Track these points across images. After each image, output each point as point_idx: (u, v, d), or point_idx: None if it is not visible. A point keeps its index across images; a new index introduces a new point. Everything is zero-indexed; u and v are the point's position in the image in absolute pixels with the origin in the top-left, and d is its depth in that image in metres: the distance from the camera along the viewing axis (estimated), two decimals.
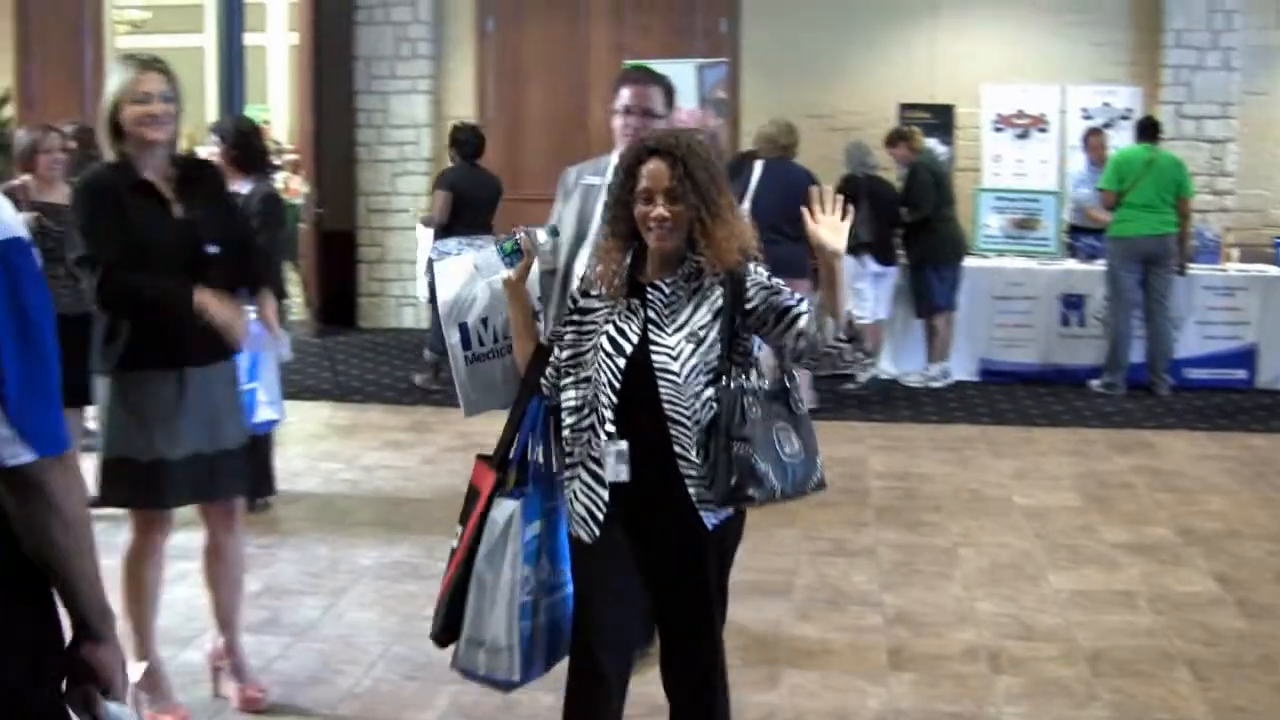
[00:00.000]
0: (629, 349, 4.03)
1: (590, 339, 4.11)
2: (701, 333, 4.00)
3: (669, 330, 4.02)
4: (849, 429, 10.61)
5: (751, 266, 4.09)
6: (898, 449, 10.00)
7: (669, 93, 5.48)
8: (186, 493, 5.15)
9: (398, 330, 14.90)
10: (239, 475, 5.29)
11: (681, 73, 13.05)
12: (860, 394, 11.85)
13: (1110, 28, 14.35)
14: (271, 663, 5.80)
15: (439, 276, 4.73)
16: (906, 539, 7.74)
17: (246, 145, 8.03)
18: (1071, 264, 12.81)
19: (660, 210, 4.00)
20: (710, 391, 3.98)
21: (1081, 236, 13.02)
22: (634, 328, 4.05)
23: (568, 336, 4.18)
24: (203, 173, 5.31)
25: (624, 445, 4.00)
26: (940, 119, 14.07)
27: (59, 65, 15.54)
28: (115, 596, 5.91)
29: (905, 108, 13.91)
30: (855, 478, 9.09)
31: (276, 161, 12.11)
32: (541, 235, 4.65)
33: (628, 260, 4.14)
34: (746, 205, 10.74)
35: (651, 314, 4.06)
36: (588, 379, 4.09)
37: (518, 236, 4.49)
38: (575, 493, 4.11)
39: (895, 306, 12.29)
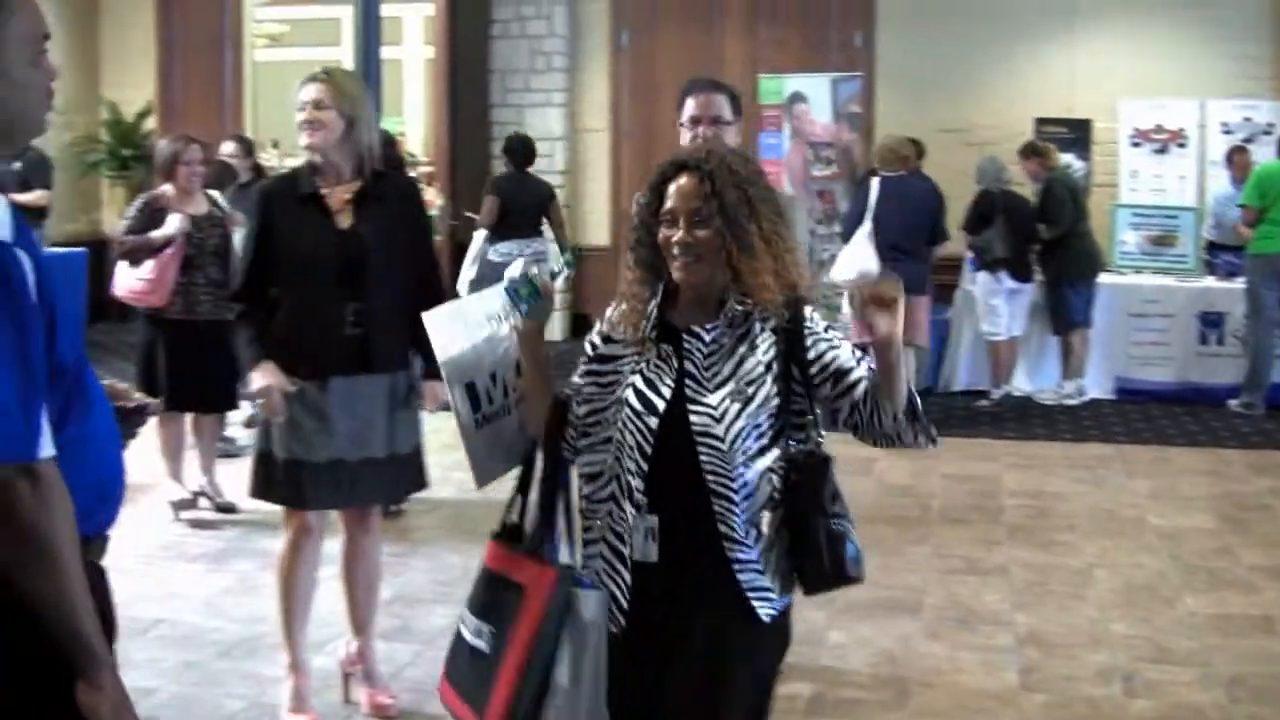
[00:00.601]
0: (661, 406, 3.41)
1: (612, 392, 3.51)
2: (750, 389, 3.39)
3: (710, 386, 3.40)
4: (982, 446, 10.51)
5: (807, 311, 3.49)
6: (1031, 467, 9.89)
7: (735, 100, 5.31)
8: (325, 497, 5.21)
9: None
10: (380, 483, 5.34)
11: (816, 86, 13.07)
12: (994, 411, 11.74)
13: (1251, 41, 14.09)
14: (402, 670, 5.85)
15: (432, 330, 3.88)
16: (1039, 558, 7.65)
17: (383, 157, 8.10)
18: (1210, 281, 12.57)
19: (681, 234, 3.40)
20: (765, 460, 3.38)
21: (1220, 253, 12.79)
22: (667, 381, 3.43)
23: (586, 389, 3.57)
24: (387, 185, 5.32)
25: (654, 521, 3.39)
26: (1077, 133, 13.89)
27: (199, 78, 15.83)
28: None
29: (1041, 122, 13.75)
30: (988, 495, 9.01)
31: (412, 174, 12.19)
32: (555, 265, 3.88)
33: (657, 298, 3.53)
34: (867, 223, 10.73)
35: (689, 366, 3.43)
36: (609, 440, 3.49)
37: (532, 273, 3.64)
38: (598, 575, 3.49)
39: (1030, 323, 12.15)
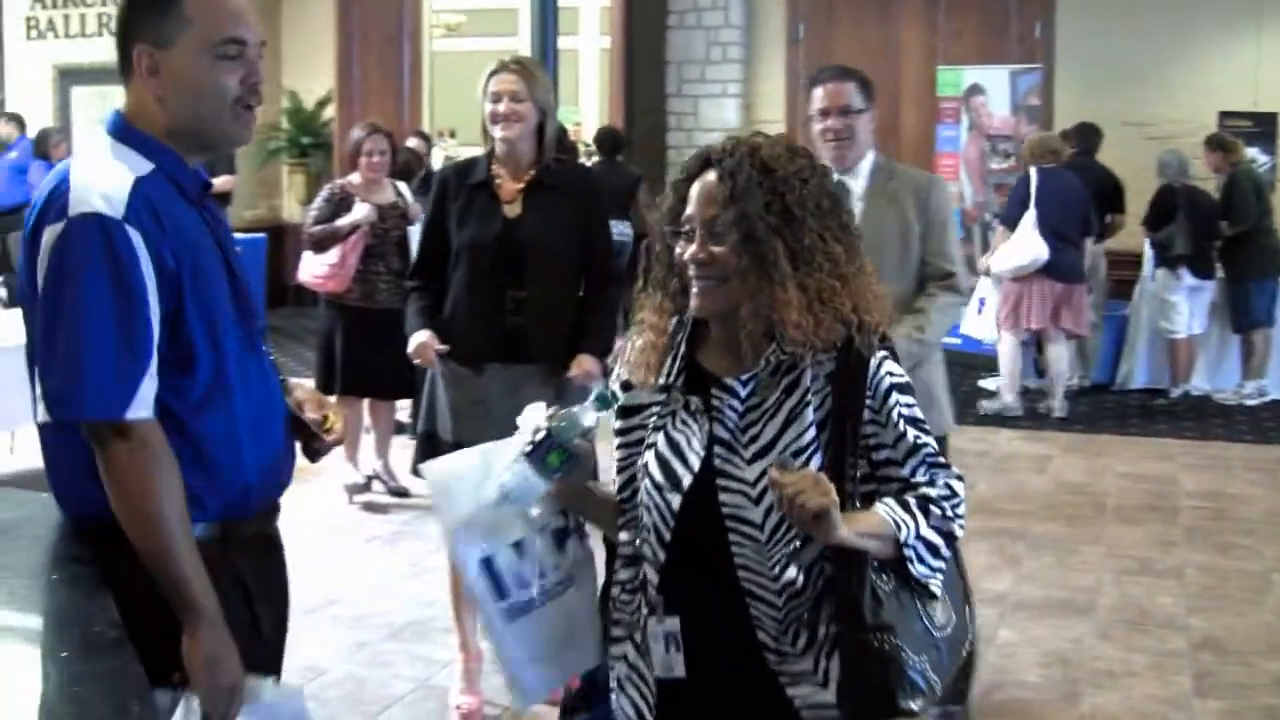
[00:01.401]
0: (686, 480, 2.73)
1: (639, 454, 2.84)
2: (797, 461, 2.64)
3: (746, 455, 2.70)
4: (1159, 445, 10.32)
5: (876, 358, 2.72)
6: (1209, 468, 9.69)
7: (866, 87, 5.03)
8: None
9: None
10: None
11: (994, 78, 12.92)
12: (1171, 410, 11.51)
13: None
14: None
15: (431, 487, 3.02)
16: (1216, 561, 7.49)
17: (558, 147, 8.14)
18: None
19: (694, 249, 2.72)
20: (814, 551, 2.66)
21: None
22: (695, 446, 2.74)
23: (617, 450, 2.89)
24: (562, 175, 5.32)
25: (674, 625, 2.74)
26: (1262, 127, 13.56)
27: (378, 68, 16.02)
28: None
29: (1225, 115, 13.44)
30: (1164, 496, 8.84)
31: (587, 164, 12.28)
32: (588, 417, 2.78)
33: (685, 332, 2.85)
34: (1031, 211, 10.63)
35: (719, 429, 2.73)
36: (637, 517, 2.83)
37: (570, 445, 2.75)
38: (621, 682, 2.86)
39: (1211, 321, 11.90)
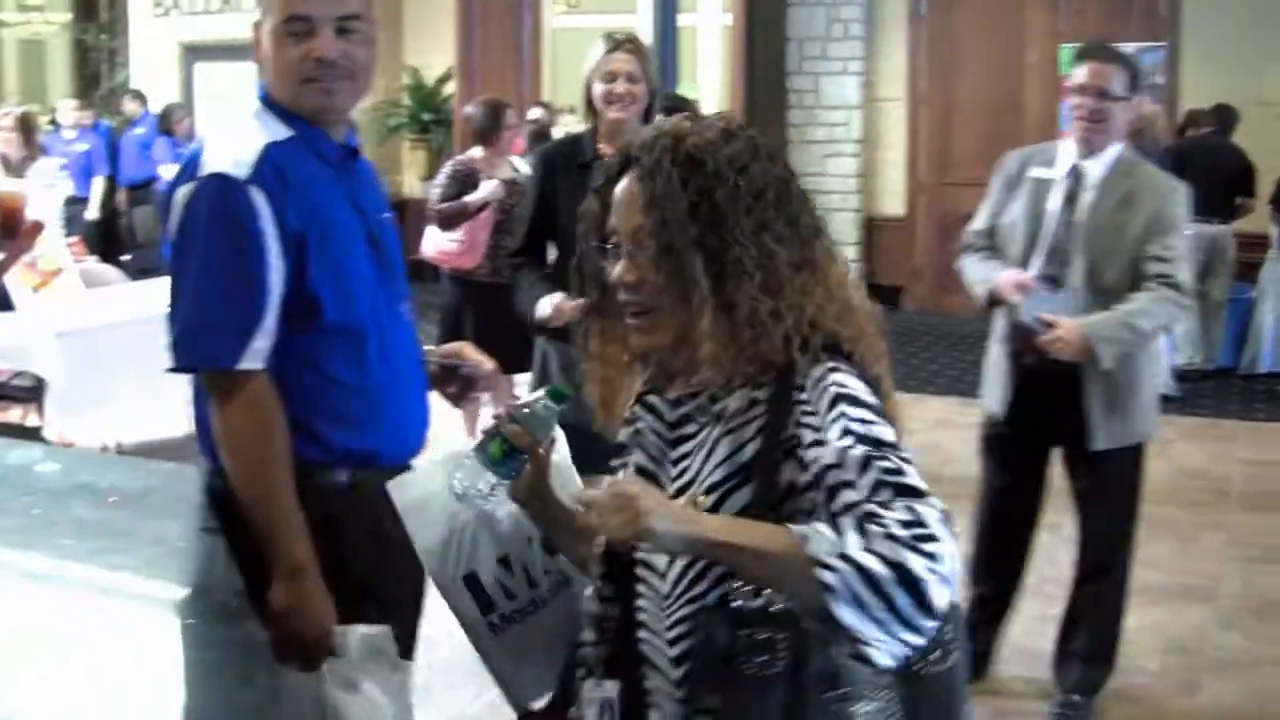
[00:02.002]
0: None
1: None
2: (709, 499, 2.20)
3: (669, 490, 2.27)
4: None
5: (820, 369, 2.20)
6: None
7: (1132, 75, 4.91)
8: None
9: None
10: None
11: None
12: None
13: None
14: None
15: (405, 513, 2.72)
16: None
17: None
18: None
19: (620, 269, 2.28)
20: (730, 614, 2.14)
21: None
22: (624, 476, 2.28)
23: None
24: None
25: (612, 691, 2.30)
26: None
27: (498, 43, 16.09)
28: None
29: None
30: None
31: None
32: (540, 403, 2.52)
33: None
34: None
35: (640, 456, 2.35)
36: None
37: (505, 428, 2.49)
38: None
39: None
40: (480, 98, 8.81)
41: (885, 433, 2.13)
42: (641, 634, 2.26)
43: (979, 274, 5.04)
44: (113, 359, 7.14)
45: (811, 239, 2.29)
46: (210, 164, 2.92)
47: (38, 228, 5.18)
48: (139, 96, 16.12)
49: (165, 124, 14.99)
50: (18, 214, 4.98)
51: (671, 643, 2.22)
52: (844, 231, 14.62)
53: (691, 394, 2.29)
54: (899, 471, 2.07)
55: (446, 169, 8.50)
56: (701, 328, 2.19)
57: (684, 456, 2.27)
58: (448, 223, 8.19)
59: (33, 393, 7.72)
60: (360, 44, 3.02)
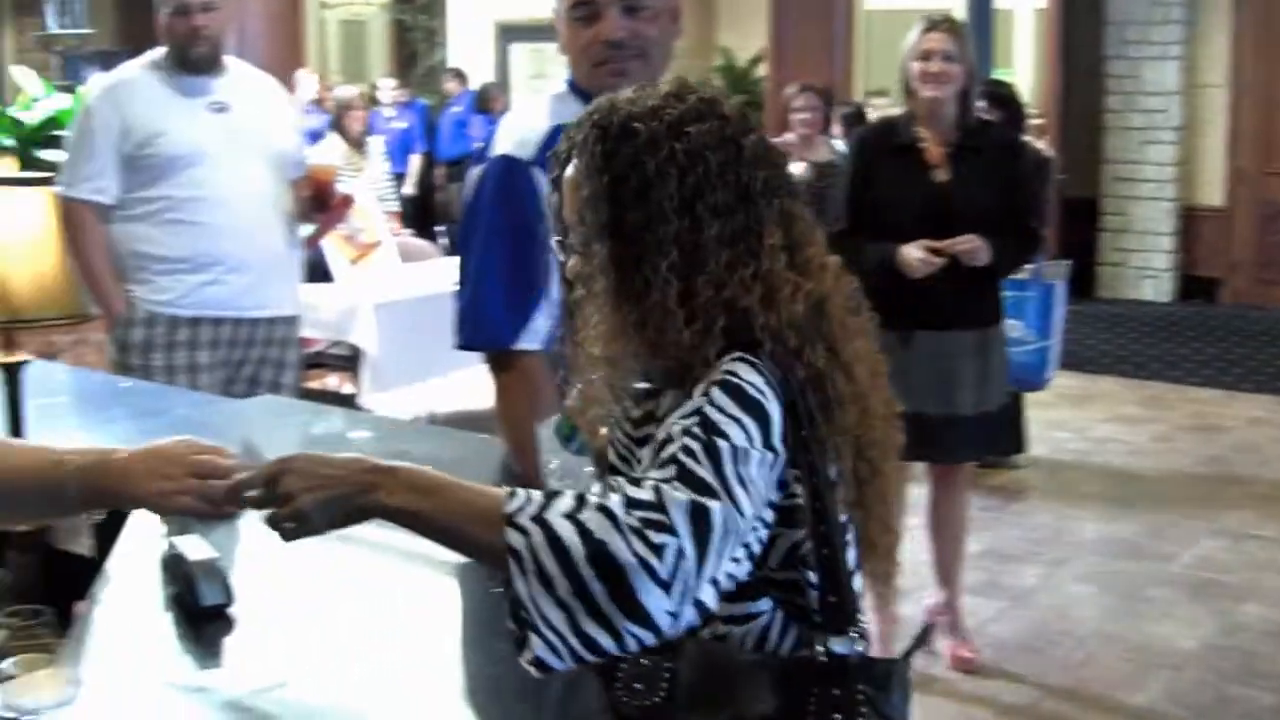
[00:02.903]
0: None
1: None
2: None
3: None
4: None
5: (726, 359, 1.94)
6: None
7: None
8: (908, 450, 5.22)
9: (1137, 302, 14.47)
10: (968, 441, 5.30)
11: None
12: None
13: None
14: (985, 625, 5.80)
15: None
16: None
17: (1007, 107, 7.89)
18: None
19: (572, 264, 2.09)
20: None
21: None
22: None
23: None
24: (988, 138, 5.26)
25: None
26: None
27: (811, 25, 16.00)
28: None
29: None
30: None
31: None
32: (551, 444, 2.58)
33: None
34: None
35: (613, 453, 2.18)
36: None
37: (566, 405, 2.41)
38: None
39: None
40: (801, 83, 8.77)
41: (734, 431, 1.84)
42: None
43: None
44: (426, 330, 7.31)
45: (761, 201, 2.00)
46: (499, 145, 2.98)
47: (348, 201, 5.32)
48: (459, 75, 16.48)
49: (482, 102, 15.29)
50: (329, 187, 5.11)
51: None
52: (1158, 221, 14.25)
53: (654, 390, 2.09)
54: (701, 460, 1.79)
55: None
56: (606, 321, 1.99)
57: (646, 458, 1.97)
58: None
59: (349, 362, 7.96)
60: (650, 21, 2.98)
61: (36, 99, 9.16)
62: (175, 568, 2.38)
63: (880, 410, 2.10)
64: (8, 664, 2.32)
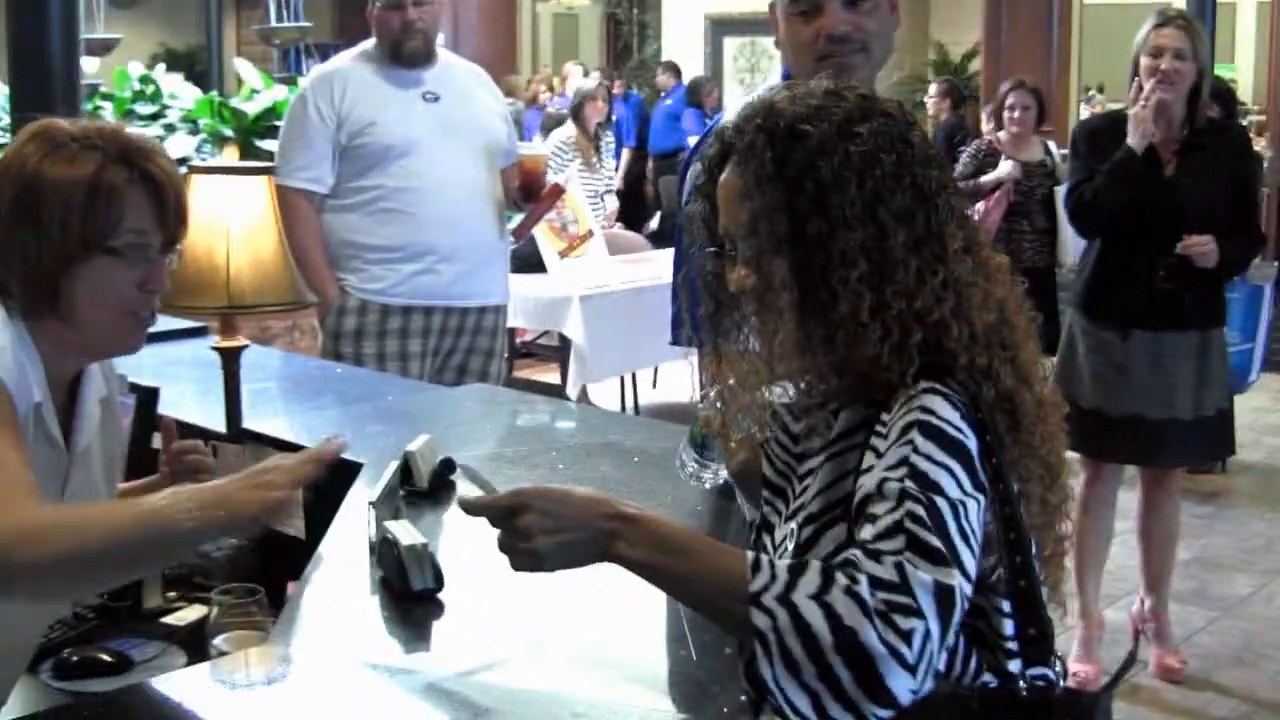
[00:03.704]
0: (751, 537, 2.16)
1: None
2: (809, 530, 1.93)
3: (787, 509, 2.04)
4: None
5: (918, 389, 1.86)
6: None
7: None
8: (1122, 453, 5.15)
9: None
10: (1183, 445, 5.18)
11: None
12: None
13: None
14: (1194, 635, 5.67)
15: None
16: None
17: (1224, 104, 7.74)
18: None
19: (737, 275, 1.96)
20: None
21: None
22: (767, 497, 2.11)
23: None
24: (1216, 136, 5.14)
25: None
26: None
27: (1027, 20, 15.81)
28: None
29: None
30: None
31: (1243, 122, 11.76)
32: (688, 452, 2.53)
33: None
34: None
35: (768, 469, 2.11)
36: None
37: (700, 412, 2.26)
38: None
39: None
40: (1015, 78, 8.67)
41: (947, 481, 1.78)
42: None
43: None
44: (633, 322, 7.36)
45: (939, 201, 1.94)
46: None
47: (557, 191, 5.36)
48: (673, 68, 16.53)
49: (694, 96, 15.32)
50: (538, 177, 5.16)
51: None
52: None
53: (819, 404, 2.01)
54: (929, 525, 1.73)
55: (969, 147, 8.44)
56: (789, 336, 1.91)
57: (808, 474, 1.98)
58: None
59: (557, 352, 8.04)
60: (870, 13, 2.94)
61: (256, 91, 9.38)
62: (386, 552, 2.41)
63: (1055, 417, 1.98)
64: (220, 640, 2.39)
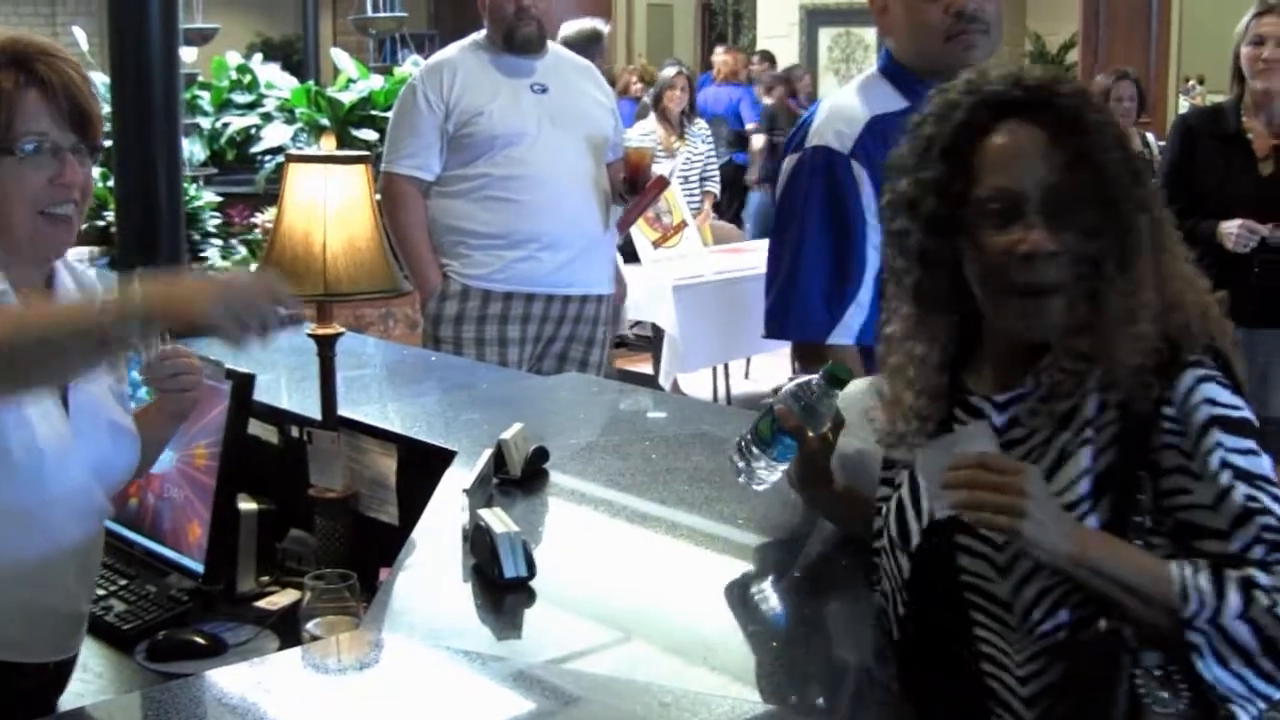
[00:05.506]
0: (915, 538, 2.08)
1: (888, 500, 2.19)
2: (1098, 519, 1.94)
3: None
4: None
5: (1190, 378, 1.91)
6: None
7: None
8: None
9: None
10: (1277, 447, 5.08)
11: None
12: None
13: None
14: None
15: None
16: None
17: None
18: None
19: (1037, 237, 1.90)
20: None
21: None
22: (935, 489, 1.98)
23: (879, 501, 2.23)
24: None
25: None
26: None
27: (1124, 10, 15.66)
28: None
29: None
30: None
31: None
32: (814, 383, 2.32)
33: (944, 355, 2.09)
34: None
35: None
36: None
37: (775, 407, 2.33)
38: None
39: None
40: (1115, 69, 8.58)
41: (1263, 464, 1.91)
42: (985, 668, 2.00)
43: None
44: (726, 313, 7.34)
45: (1157, 189, 2.02)
46: (816, 135, 2.97)
47: (661, 183, 5.34)
48: (768, 58, 16.46)
49: (788, 86, 15.25)
50: (644, 169, 5.15)
51: (1024, 680, 1.95)
52: None
53: (1019, 395, 2.02)
54: (1277, 524, 1.88)
55: None
56: (1141, 298, 1.91)
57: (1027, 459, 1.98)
58: None
59: (650, 342, 8.03)
60: None
61: (352, 80, 9.42)
62: (479, 539, 2.41)
63: None
64: (313, 625, 2.40)
